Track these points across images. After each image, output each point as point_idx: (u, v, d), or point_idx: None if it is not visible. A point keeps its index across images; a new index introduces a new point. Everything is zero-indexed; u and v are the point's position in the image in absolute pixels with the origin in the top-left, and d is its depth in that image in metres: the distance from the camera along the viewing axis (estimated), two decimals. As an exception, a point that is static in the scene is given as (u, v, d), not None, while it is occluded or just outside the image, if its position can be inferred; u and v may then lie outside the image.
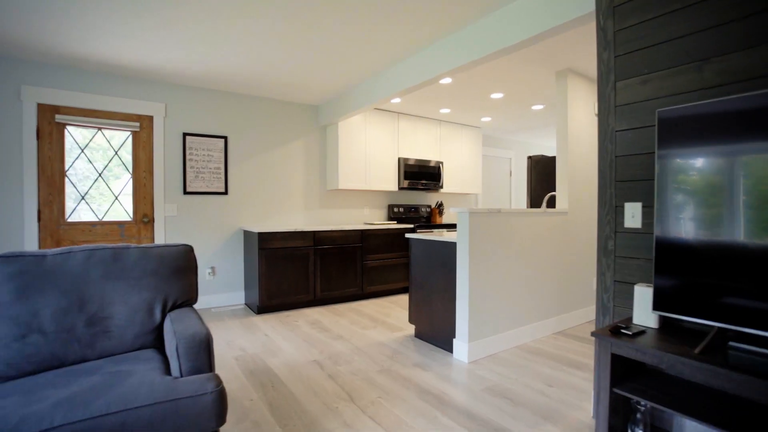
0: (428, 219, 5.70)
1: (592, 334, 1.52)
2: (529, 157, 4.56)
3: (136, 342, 1.52)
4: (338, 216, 5.00)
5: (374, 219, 5.30)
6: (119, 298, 1.53)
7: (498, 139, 6.85)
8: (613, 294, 1.86)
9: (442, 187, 5.45)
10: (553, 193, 3.75)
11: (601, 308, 1.90)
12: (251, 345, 3.03)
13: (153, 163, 3.82)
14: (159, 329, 1.61)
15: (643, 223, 1.74)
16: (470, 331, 2.71)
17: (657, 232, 1.49)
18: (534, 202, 4.52)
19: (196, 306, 4.05)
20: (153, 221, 3.83)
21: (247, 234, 4.19)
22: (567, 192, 3.46)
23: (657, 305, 1.48)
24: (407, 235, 3.26)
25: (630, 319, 1.67)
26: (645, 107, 1.73)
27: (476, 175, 5.99)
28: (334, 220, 4.97)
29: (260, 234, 3.81)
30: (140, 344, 1.54)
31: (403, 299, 4.55)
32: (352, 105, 4.07)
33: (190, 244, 3.93)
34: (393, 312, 4.00)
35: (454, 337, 2.83)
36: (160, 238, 3.83)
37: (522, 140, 7.15)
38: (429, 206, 5.71)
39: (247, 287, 4.22)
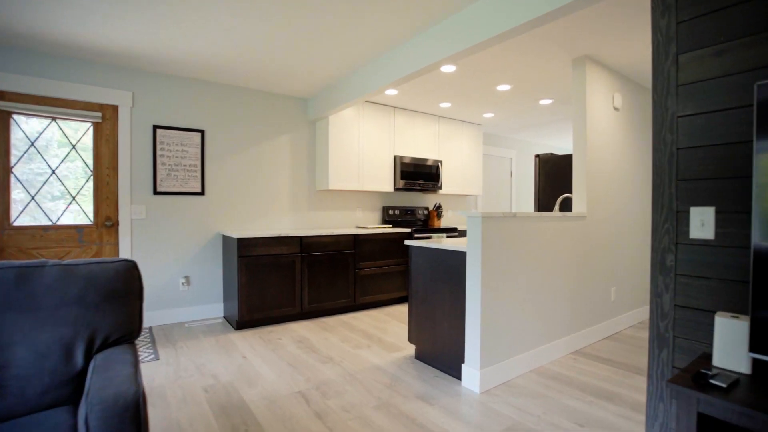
0: (425, 222, 5.31)
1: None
2: (537, 156, 4.19)
3: (44, 399, 1.10)
4: (328, 219, 4.58)
5: (367, 222, 4.90)
6: (22, 338, 1.11)
7: (499, 138, 6.49)
8: (672, 322, 1.48)
9: (440, 187, 5.06)
10: (567, 194, 3.38)
11: (656, 339, 1.52)
12: (226, 371, 2.59)
13: (118, 158, 3.36)
14: (81, 377, 1.19)
15: (717, 233, 1.36)
16: (482, 355, 2.32)
17: (756, 241, 1.11)
18: (543, 204, 4.15)
19: (167, 321, 3.59)
20: (117, 225, 3.37)
21: (226, 240, 3.75)
22: (585, 194, 3.09)
23: (757, 345, 1.10)
24: (407, 242, 2.86)
25: (706, 358, 1.29)
26: (722, 85, 1.35)
27: (477, 176, 5.62)
28: (324, 223, 4.55)
29: (240, 240, 3.37)
30: (50, 401, 1.11)
31: (400, 311, 4.15)
32: (345, 96, 3.66)
33: (160, 250, 3.52)
34: (389, 327, 3.59)
35: (463, 361, 2.43)
36: (126, 244, 3.37)
37: (524, 139, 6.80)
38: (426, 208, 5.32)
39: (225, 299, 3.77)
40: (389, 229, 4.32)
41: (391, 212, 4.96)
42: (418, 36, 2.78)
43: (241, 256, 3.38)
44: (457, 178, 5.34)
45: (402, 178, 4.69)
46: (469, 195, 5.74)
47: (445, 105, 4.64)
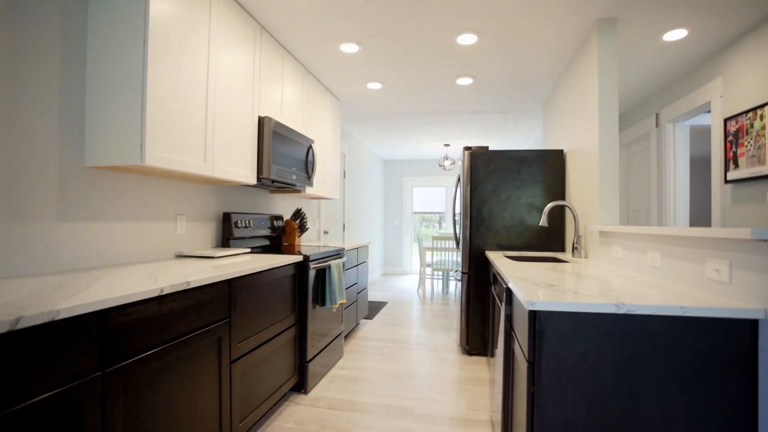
0: (278, 239, 3.24)
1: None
2: (468, 148, 3.19)
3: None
4: (111, 241, 1.85)
5: (197, 244, 2.40)
6: None
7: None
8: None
9: (311, 185, 3.19)
10: (559, 202, 2.55)
11: None
12: None
13: None
14: None
15: None
16: None
17: None
18: (473, 220, 3.18)
19: None
20: None
21: None
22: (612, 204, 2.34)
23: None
24: (536, 308, 1.17)
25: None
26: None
27: (337, 173, 4.03)
28: (100, 253, 1.80)
29: None
30: None
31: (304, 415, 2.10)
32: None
33: None
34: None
35: None
36: None
37: (357, 136, 5.66)
38: (280, 217, 3.26)
39: None
40: (279, 259, 2.15)
41: (240, 223, 2.65)
42: None
43: None
44: (319, 172, 3.59)
45: (274, 162, 2.55)
46: (328, 198, 4.04)
47: (349, 47, 2.89)
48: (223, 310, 1.66)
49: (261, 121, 2.51)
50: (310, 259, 2.47)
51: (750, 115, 2.38)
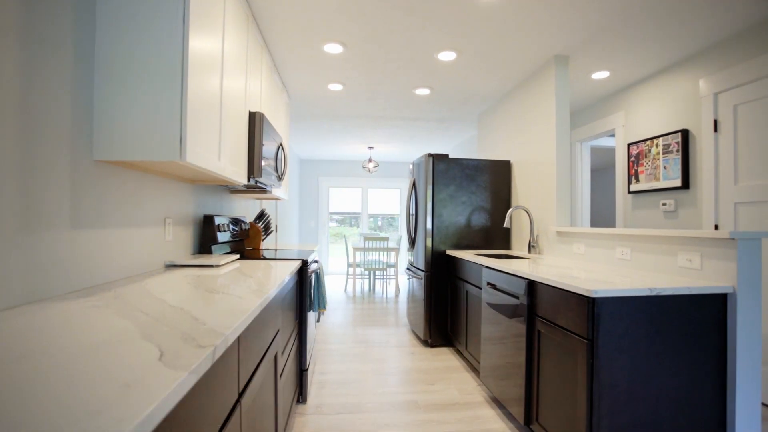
0: (241, 244, 3.00)
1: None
2: (431, 156, 3.40)
3: None
4: (110, 253, 1.54)
5: (181, 252, 2.11)
6: None
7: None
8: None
9: (280, 186, 3.03)
10: (519, 206, 2.98)
11: None
12: None
13: None
14: None
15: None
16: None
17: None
18: (441, 225, 3.44)
19: None
20: None
21: None
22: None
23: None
24: (595, 293, 1.43)
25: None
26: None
27: (289, 172, 3.86)
28: (99, 270, 1.49)
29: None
30: None
31: None
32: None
33: None
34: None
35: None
36: None
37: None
38: (243, 220, 3.02)
39: None
40: (290, 265, 2.03)
41: (224, 228, 2.40)
42: None
43: None
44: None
45: (265, 157, 2.39)
46: (281, 199, 3.82)
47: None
48: (278, 321, 1.55)
49: (252, 116, 2.33)
50: (308, 263, 2.39)
51: (648, 142, 3.15)
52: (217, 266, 1.93)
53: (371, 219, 8.50)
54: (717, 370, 1.56)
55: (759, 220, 2.36)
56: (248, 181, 2.32)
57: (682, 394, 1.53)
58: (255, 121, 2.32)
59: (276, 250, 2.95)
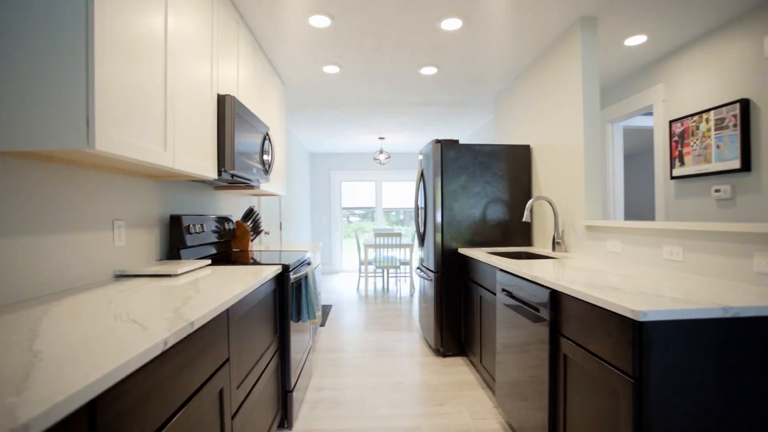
0: (227, 245, 2.71)
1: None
2: (439, 142, 3.02)
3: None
4: (38, 264, 1.25)
5: (139, 258, 1.82)
6: None
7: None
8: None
9: (268, 180, 2.72)
10: (541, 197, 2.56)
11: None
12: None
13: None
14: None
15: None
16: None
17: None
18: (448, 214, 3.06)
19: None
20: None
21: None
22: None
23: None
24: (644, 316, 1.04)
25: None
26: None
27: (284, 166, 3.56)
28: (15, 284, 1.20)
29: None
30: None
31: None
32: None
33: None
34: None
35: None
36: None
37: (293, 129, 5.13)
38: (229, 219, 2.73)
39: None
40: (265, 271, 1.72)
41: (194, 229, 2.11)
42: None
43: None
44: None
45: (237, 152, 2.07)
46: (275, 195, 3.52)
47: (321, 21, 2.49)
48: (224, 349, 1.23)
49: (221, 100, 2.01)
50: (290, 268, 2.06)
51: (696, 118, 2.65)
52: (175, 275, 1.63)
53: (392, 213, 8.15)
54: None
55: None
56: (220, 174, 2.01)
57: (767, 449, 1.12)
58: (225, 106, 2.00)
59: (262, 252, 2.65)
